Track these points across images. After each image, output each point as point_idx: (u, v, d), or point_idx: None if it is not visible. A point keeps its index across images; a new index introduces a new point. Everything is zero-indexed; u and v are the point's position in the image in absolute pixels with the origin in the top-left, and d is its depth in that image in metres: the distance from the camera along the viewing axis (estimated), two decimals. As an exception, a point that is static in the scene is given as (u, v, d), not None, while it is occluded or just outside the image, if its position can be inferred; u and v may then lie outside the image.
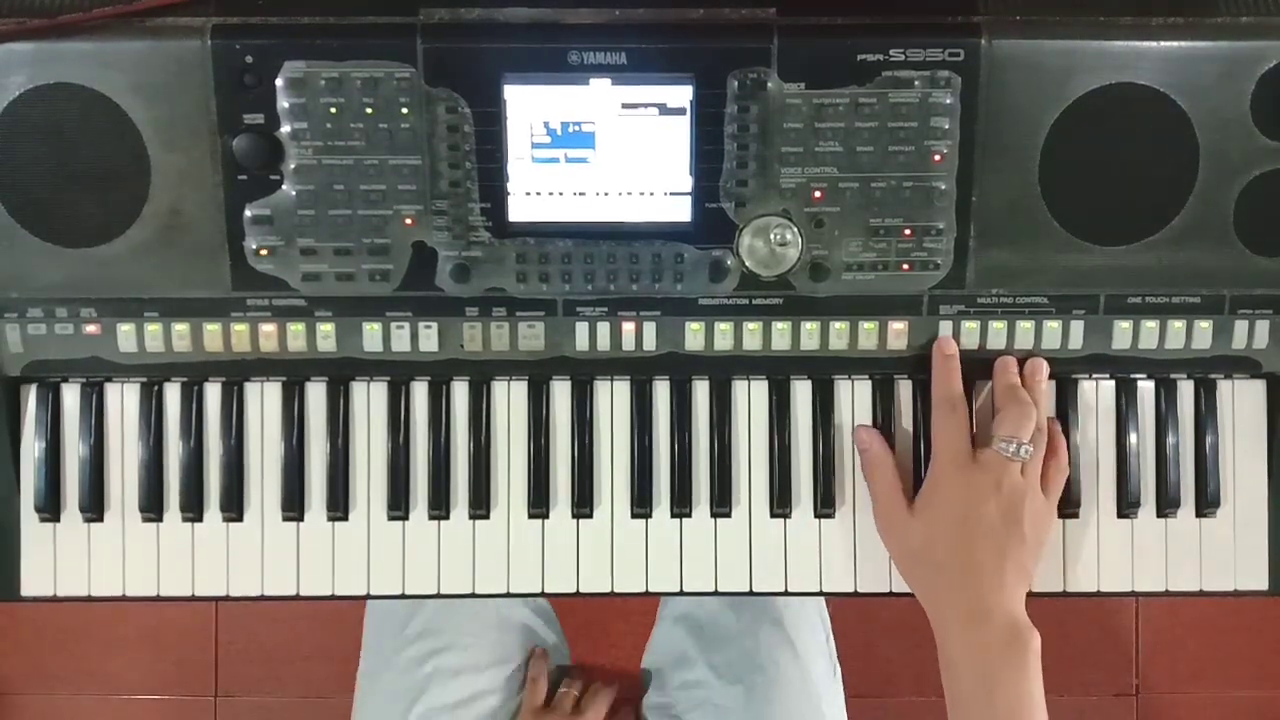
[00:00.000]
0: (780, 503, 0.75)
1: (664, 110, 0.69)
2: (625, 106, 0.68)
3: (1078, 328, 0.74)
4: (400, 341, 0.73)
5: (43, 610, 1.52)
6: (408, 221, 0.71)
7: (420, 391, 0.75)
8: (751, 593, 0.76)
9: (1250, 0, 0.69)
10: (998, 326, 0.73)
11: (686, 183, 0.70)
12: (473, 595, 0.76)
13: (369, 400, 0.75)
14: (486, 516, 0.75)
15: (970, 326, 0.73)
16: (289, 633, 1.53)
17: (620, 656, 1.52)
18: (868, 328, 0.73)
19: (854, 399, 0.76)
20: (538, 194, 0.70)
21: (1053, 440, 0.73)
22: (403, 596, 0.76)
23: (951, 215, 0.71)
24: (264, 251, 0.71)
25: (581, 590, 0.75)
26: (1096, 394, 0.76)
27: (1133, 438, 0.76)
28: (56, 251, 0.70)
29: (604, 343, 0.73)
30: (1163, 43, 0.68)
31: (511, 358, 0.74)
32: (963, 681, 0.67)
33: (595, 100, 0.68)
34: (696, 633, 0.93)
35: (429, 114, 0.69)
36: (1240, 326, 0.74)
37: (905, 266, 0.72)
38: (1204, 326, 0.74)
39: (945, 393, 0.72)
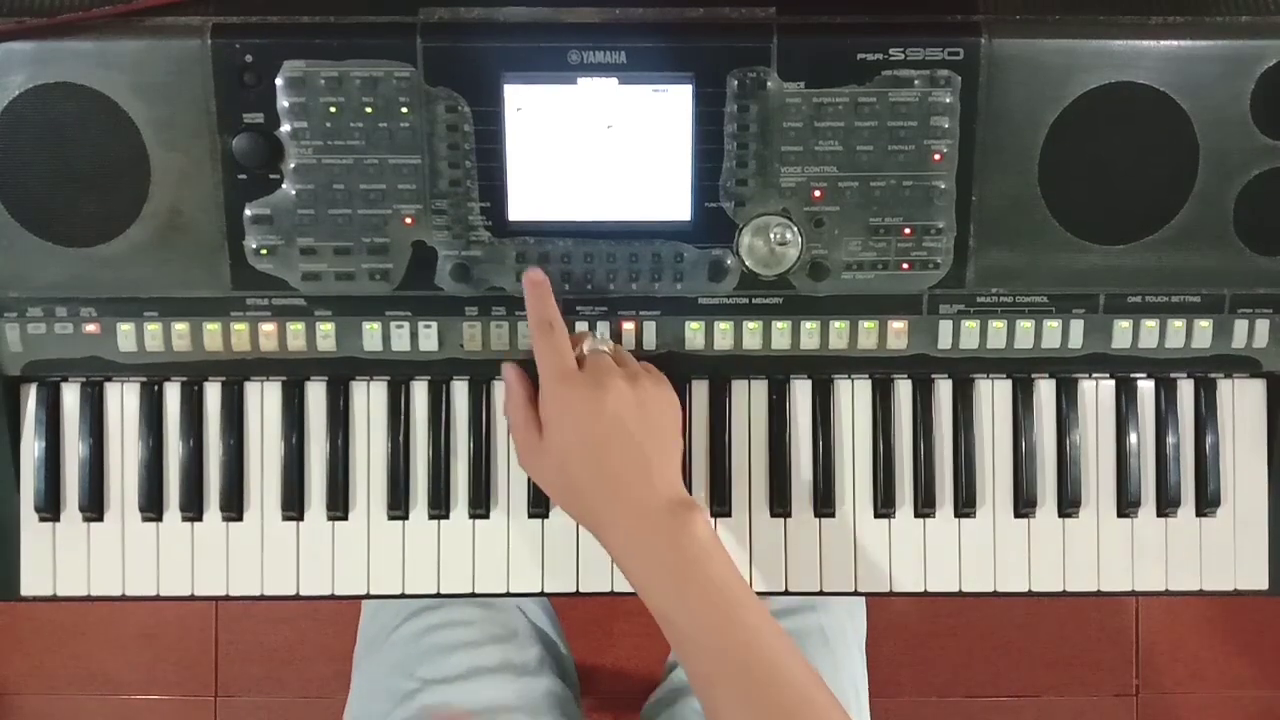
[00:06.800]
0: (780, 502, 0.75)
1: (664, 109, 0.69)
2: (625, 105, 0.68)
3: (1077, 327, 0.74)
4: (400, 341, 0.73)
5: (43, 610, 1.52)
6: (407, 221, 0.71)
7: (420, 391, 0.75)
8: (751, 592, 0.76)
9: (1250, 0, 0.69)
10: (997, 326, 0.73)
11: (686, 182, 0.70)
12: (473, 595, 0.76)
13: (369, 400, 0.75)
14: (486, 516, 0.75)
15: (970, 326, 0.73)
16: (289, 633, 1.53)
17: (620, 656, 1.52)
18: (868, 327, 0.73)
19: (854, 398, 0.76)
20: (537, 193, 0.70)
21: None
22: (402, 596, 0.76)
23: (951, 214, 0.71)
24: (264, 251, 0.71)
25: (581, 590, 0.75)
26: (1096, 394, 0.76)
27: (1133, 437, 0.76)
28: (56, 251, 0.70)
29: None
30: (1163, 42, 0.68)
31: (512, 357, 0.74)
32: (654, 590, 0.63)
33: (595, 99, 0.68)
34: None
35: (429, 113, 0.69)
36: (1240, 326, 0.74)
37: (905, 266, 0.72)
38: (1204, 326, 0.74)
39: (539, 316, 0.69)
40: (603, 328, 0.73)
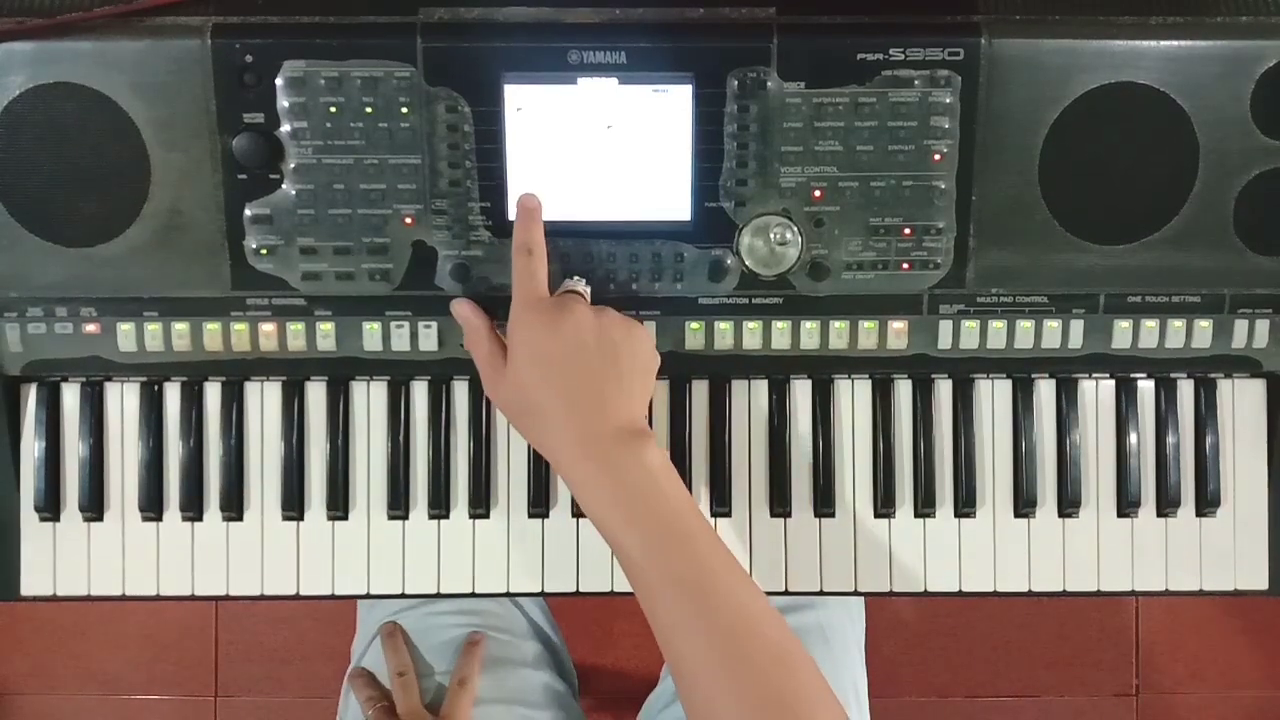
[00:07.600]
0: (780, 502, 0.75)
1: (664, 109, 0.69)
2: (625, 105, 0.68)
3: (1077, 327, 0.74)
4: (400, 341, 0.73)
5: (43, 610, 1.52)
6: (407, 221, 0.71)
7: (420, 391, 0.75)
8: (751, 592, 0.75)
9: (1250, 0, 0.69)
10: (997, 326, 0.73)
11: (686, 182, 0.70)
12: (473, 595, 0.76)
13: (369, 400, 0.75)
14: (486, 516, 0.75)
15: (970, 326, 0.73)
16: (289, 633, 1.53)
17: (620, 656, 1.52)
18: (868, 327, 0.73)
19: (854, 398, 0.76)
20: (538, 193, 0.70)
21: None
22: (402, 596, 0.76)
23: (951, 214, 0.71)
24: (264, 251, 0.71)
25: (581, 590, 0.75)
26: (1096, 394, 0.76)
27: (1133, 437, 0.76)
28: (56, 251, 0.70)
29: (604, 342, 0.73)
30: (1163, 42, 0.68)
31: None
32: (603, 516, 0.62)
33: (595, 99, 0.68)
34: None
35: (429, 113, 0.69)
36: (1240, 326, 0.74)
37: (905, 266, 0.72)
38: (1204, 326, 0.74)
39: (521, 240, 0.68)
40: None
